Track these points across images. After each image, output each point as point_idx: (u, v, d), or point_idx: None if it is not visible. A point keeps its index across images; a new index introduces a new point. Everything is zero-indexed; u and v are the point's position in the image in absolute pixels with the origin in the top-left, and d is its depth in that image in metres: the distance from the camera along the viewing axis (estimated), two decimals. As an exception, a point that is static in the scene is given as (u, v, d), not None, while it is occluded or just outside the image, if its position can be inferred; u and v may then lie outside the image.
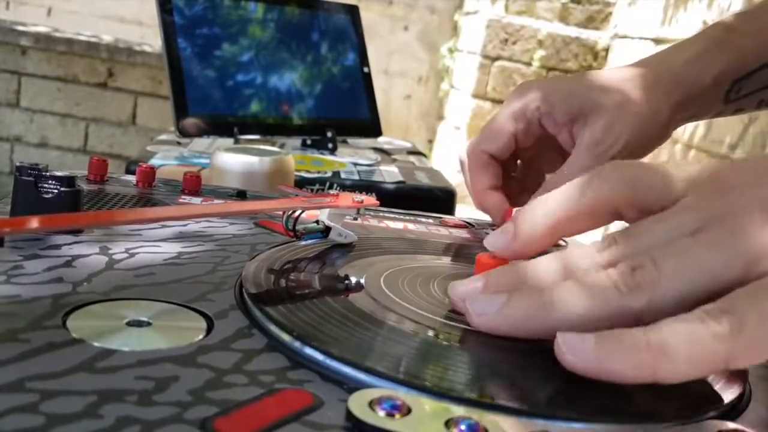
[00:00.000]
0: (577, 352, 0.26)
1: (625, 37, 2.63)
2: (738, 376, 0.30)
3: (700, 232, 0.28)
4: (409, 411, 0.23)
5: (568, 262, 0.30)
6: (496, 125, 0.55)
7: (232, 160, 0.64)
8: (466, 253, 0.46)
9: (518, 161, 0.59)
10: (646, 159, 0.56)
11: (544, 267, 0.31)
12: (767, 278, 0.26)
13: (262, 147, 0.70)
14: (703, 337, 0.25)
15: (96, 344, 0.25)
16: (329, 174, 0.89)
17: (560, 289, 0.29)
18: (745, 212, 0.28)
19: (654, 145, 0.55)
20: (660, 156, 1.92)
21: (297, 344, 0.27)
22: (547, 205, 0.33)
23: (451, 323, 0.32)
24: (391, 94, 3.18)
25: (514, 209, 0.54)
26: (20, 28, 2.64)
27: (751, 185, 0.29)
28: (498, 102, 2.75)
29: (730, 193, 0.29)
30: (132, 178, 0.55)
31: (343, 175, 0.89)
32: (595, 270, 0.29)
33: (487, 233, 0.55)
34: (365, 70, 1.16)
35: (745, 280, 0.27)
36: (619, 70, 0.56)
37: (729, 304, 0.26)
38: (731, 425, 0.25)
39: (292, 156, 0.69)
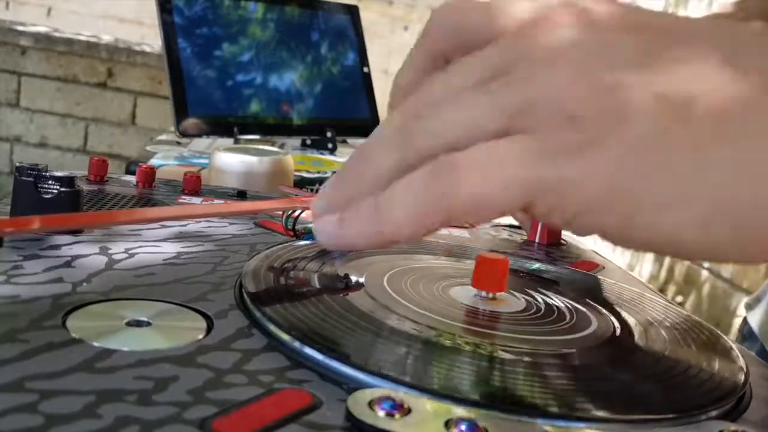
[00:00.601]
0: (324, 230, 0.27)
1: (625, 37, 2.63)
2: (738, 376, 0.30)
3: (492, 79, 0.26)
4: (408, 411, 0.23)
5: (383, 127, 0.29)
6: None
7: (231, 160, 0.64)
8: (466, 253, 0.46)
9: None
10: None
11: (378, 158, 0.28)
12: (515, 136, 0.24)
13: (261, 147, 0.70)
14: (421, 191, 0.24)
15: (95, 344, 0.25)
16: (329, 174, 0.88)
17: (368, 160, 0.27)
18: (540, 55, 0.25)
19: None
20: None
21: (296, 344, 0.27)
22: (402, 72, 0.33)
23: (453, 323, 0.32)
24: (391, 94, 3.17)
25: None
26: (20, 28, 2.64)
27: (577, 26, 0.26)
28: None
29: (543, 33, 0.26)
30: (132, 179, 0.55)
31: (343, 175, 0.89)
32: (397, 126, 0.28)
33: (488, 233, 0.55)
34: (365, 70, 1.16)
35: (509, 130, 0.25)
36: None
37: (459, 157, 0.24)
38: (732, 426, 0.25)
39: (291, 156, 0.69)
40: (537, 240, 0.55)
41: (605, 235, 0.24)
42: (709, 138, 0.23)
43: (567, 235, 0.58)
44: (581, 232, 0.25)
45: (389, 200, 0.25)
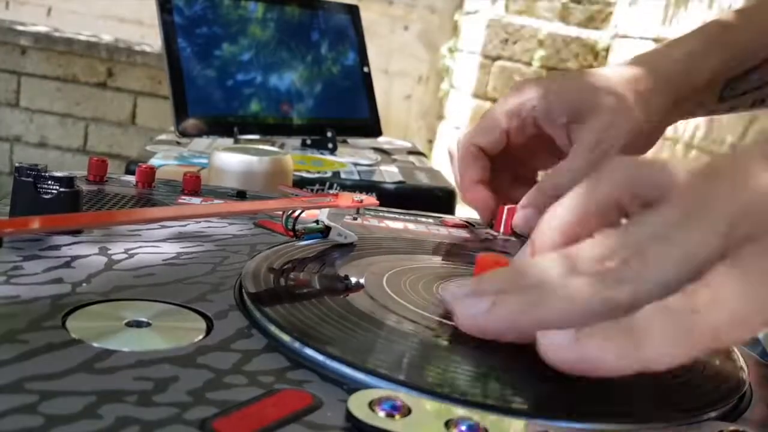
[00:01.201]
0: (558, 348, 0.26)
1: (625, 36, 2.63)
2: (738, 376, 0.30)
3: (687, 219, 0.28)
4: (409, 411, 0.23)
5: (563, 260, 0.30)
6: (490, 120, 0.55)
7: (231, 159, 0.64)
8: (466, 253, 0.46)
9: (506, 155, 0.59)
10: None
11: (539, 267, 0.30)
12: (747, 246, 0.26)
13: (260, 147, 0.70)
14: (682, 314, 0.25)
15: (95, 345, 0.25)
16: (329, 174, 0.88)
17: (545, 287, 0.28)
18: (725, 191, 0.28)
19: (651, 142, 0.56)
20: (661, 156, 1.92)
21: (297, 344, 0.27)
22: (557, 213, 0.33)
23: (453, 324, 0.32)
24: (391, 94, 3.17)
25: (506, 207, 0.54)
26: (20, 27, 2.64)
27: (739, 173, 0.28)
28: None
29: (717, 179, 0.28)
30: (132, 179, 0.55)
31: (343, 175, 0.89)
32: (586, 267, 0.29)
33: (488, 233, 0.55)
34: (365, 69, 1.16)
35: (726, 252, 0.26)
36: (615, 69, 0.56)
37: (708, 278, 0.25)
38: (732, 426, 0.25)
39: (290, 156, 0.69)
40: (501, 230, 0.55)
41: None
42: None
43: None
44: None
45: (646, 323, 0.25)
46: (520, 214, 0.53)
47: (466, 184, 0.56)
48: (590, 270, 0.28)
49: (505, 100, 0.56)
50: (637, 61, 0.57)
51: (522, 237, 0.54)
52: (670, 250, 0.27)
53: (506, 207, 0.54)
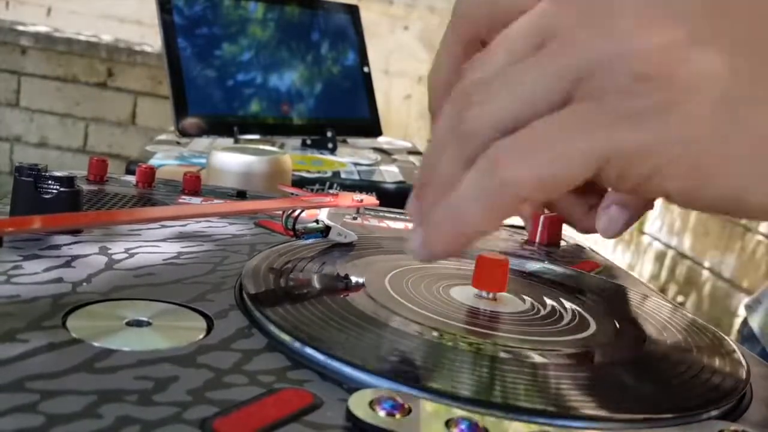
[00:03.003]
0: (413, 248, 0.27)
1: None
2: (739, 376, 0.30)
3: (540, 47, 0.24)
4: (409, 411, 0.23)
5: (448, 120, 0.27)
6: None
7: (229, 159, 0.64)
8: (466, 253, 0.46)
9: None
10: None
11: (443, 162, 0.27)
12: (584, 101, 0.23)
13: (259, 147, 0.69)
14: (487, 183, 0.24)
15: (95, 344, 0.25)
16: (329, 174, 0.88)
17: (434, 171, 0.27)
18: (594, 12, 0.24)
19: None
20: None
21: (297, 344, 0.27)
22: (431, 77, 0.32)
23: (453, 323, 0.32)
24: (391, 94, 3.17)
25: (541, 216, 0.54)
26: (20, 27, 2.64)
27: None
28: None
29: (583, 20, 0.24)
30: (132, 179, 0.55)
31: (343, 175, 0.89)
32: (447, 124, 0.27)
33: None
34: (365, 69, 1.16)
35: (570, 98, 0.23)
36: None
37: (522, 138, 0.23)
38: (732, 425, 0.25)
39: (289, 156, 0.69)
40: (537, 240, 0.55)
41: (671, 197, 0.24)
42: None
43: (567, 235, 0.58)
44: (647, 195, 0.25)
45: (459, 200, 0.25)
46: None
47: None
48: (451, 124, 0.26)
49: None
50: None
51: None
52: (509, 89, 0.24)
53: (542, 216, 0.53)
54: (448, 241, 0.26)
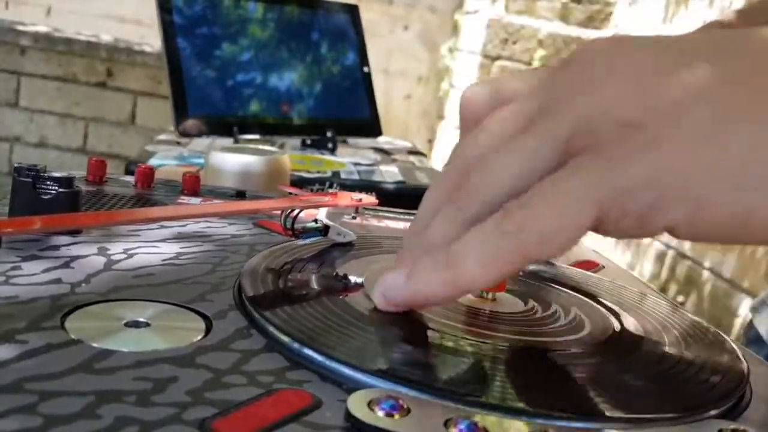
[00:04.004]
0: (391, 285, 0.27)
1: (625, 36, 2.63)
2: (739, 375, 0.30)
3: (530, 124, 0.27)
4: (408, 411, 0.23)
5: (444, 185, 0.29)
6: None
7: (228, 159, 0.64)
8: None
9: None
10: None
11: (438, 220, 0.29)
12: (578, 157, 0.25)
13: (257, 147, 0.69)
14: (491, 238, 0.25)
15: (94, 345, 0.25)
16: (329, 174, 0.89)
17: (428, 226, 0.28)
18: (579, 81, 0.26)
19: None
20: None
21: (296, 344, 0.27)
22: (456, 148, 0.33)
23: (453, 323, 0.32)
24: (391, 94, 3.17)
25: None
26: (19, 27, 2.64)
27: (608, 54, 0.26)
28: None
29: (579, 67, 0.27)
30: (131, 179, 0.55)
31: (343, 175, 0.89)
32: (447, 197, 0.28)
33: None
34: (365, 69, 1.16)
35: (562, 162, 0.25)
36: None
37: (527, 195, 0.25)
38: (732, 425, 0.25)
39: (288, 155, 0.69)
40: None
41: (674, 230, 0.25)
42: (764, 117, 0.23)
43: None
44: (651, 231, 0.25)
45: (461, 250, 0.25)
46: None
47: None
48: (449, 194, 0.28)
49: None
50: None
51: None
52: (509, 160, 0.26)
53: None
54: (437, 286, 0.26)
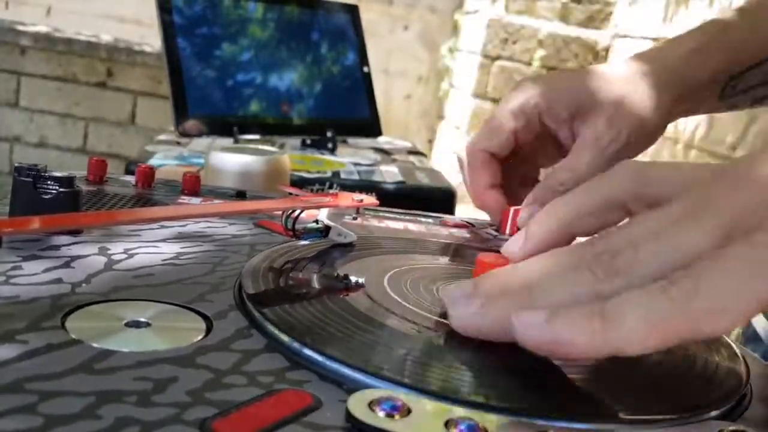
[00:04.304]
0: (529, 328, 0.26)
1: (625, 36, 2.63)
2: (739, 376, 0.30)
3: (685, 217, 0.27)
4: (408, 411, 0.23)
5: (555, 259, 0.30)
6: (496, 123, 0.55)
7: (228, 159, 0.64)
8: (466, 253, 0.46)
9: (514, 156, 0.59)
10: (645, 153, 0.56)
11: (531, 267, 0.30)
12: (739, 240, 0.25)
13: (257, 147, 0.69)
14: (658, 302, 0.24)
15: (95, 345, 0.25)
16: (329, 174, 0.89)
17: (538, 284, 0.28)
18: (728, 192, 0.28)
19: (653, 139, 0.55)
20: (661, 156, 1.92)
21: (296, 345, 0.27)
22: (557, 207, 0.33)
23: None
24: (391, 94, 3.17)
25: (512, 208, 0.54)
26: (19, 27, 2.63)
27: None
28: (498, 102, 2.74)
29: (724, 177, 0.28)
30: (131, 179, 0.55)
31: (343, 175, 0.89)
32: (577, 261, 0.28)
33: (488, 233, 0.55)
34: (365, 69, 1.16)
35: (720, 248, 0.26)
36: (617, 65, 0.56)
37: (692, 269, 0.25)
38: (732, 425, 0.25)
39: (288, 155, 0.69)
40: (508, 232, 0.54)
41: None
42: None
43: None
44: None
45: (620, 306, 0.25)
46: (524, 211, 0.52)
47: (478, 191, 0.56)
48: (583, 264, 0.28)
49: (507, 100, 0.55)
50: (638, 58, 0.57)
51: None
52: (664, 245, 0.27)
53: (512, 208, 0.54)
54: (584, 334, 0.25)
